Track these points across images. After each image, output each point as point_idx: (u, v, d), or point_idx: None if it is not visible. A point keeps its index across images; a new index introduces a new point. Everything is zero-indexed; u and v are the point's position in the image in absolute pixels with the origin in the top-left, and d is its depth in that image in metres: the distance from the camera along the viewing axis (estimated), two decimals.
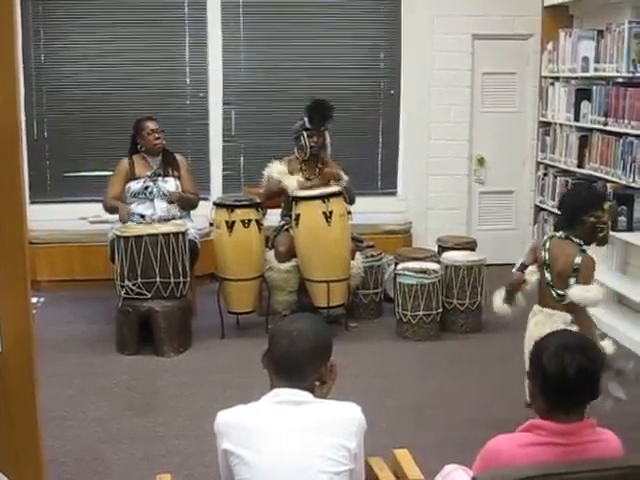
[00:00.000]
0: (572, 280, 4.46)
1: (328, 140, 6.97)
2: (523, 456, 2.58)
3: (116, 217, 6.77)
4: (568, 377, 2.59)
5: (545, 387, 2.66)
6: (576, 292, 4.43)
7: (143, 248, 6.19)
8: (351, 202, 6.86)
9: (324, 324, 2.97)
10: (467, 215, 8.76)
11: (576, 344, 2.67)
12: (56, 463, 4.35)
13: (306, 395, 2.69)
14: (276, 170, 6.87)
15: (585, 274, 4.45)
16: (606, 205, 4.58)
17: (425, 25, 8.34)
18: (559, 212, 4.74)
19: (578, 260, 4.44)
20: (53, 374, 5.48)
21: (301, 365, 2.72)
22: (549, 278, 4.57)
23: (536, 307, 4.70)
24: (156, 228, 6.37)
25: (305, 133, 6.87)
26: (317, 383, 2.76)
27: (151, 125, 6.83)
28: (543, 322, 4.47)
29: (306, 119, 6.84)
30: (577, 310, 4.45)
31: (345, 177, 6.90)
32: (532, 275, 4.70)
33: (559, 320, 4.46)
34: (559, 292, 4.51)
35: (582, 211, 4.47)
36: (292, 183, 6.72)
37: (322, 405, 2.71)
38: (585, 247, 4.51)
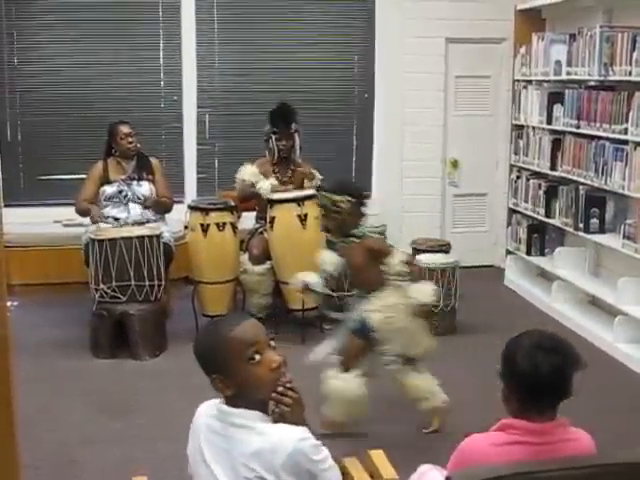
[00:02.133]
0: None
1: (298, 142, 7.00)
2: (496, 455, 2.60)
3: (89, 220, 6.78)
4: (541, 376, 2.61)
5: (518, 386, 2.68)
6: None
7: (117, 251, 6.18)
8: None
9: (223, 329, 2.60)
10: (441, 217, 8.81)
11: (549, 343, 2.69)
12: (32, 467, 4.33)
13: (250, 417, 2.55)
14: (248, 173, 6.87)
15: None
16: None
17: (399, 28, 8.37)
18: None
19: None
20: (27, 378, 5.44)
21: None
22: None
23: None
24: (130, 231, 6.36)
25: (274, 136, 6.91)
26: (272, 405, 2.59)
27: (124, 129, 6.82)
28: None
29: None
30: None
31: (319, 176, 6.95)
32: None
33: None
34: None
35: None
36: (265, 186, 6.74)
37: (258, 433, 2.51)
38: None
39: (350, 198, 4.90)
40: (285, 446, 2.45)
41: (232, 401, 2.57)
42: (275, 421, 2.56)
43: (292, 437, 2.47)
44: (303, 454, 2.46)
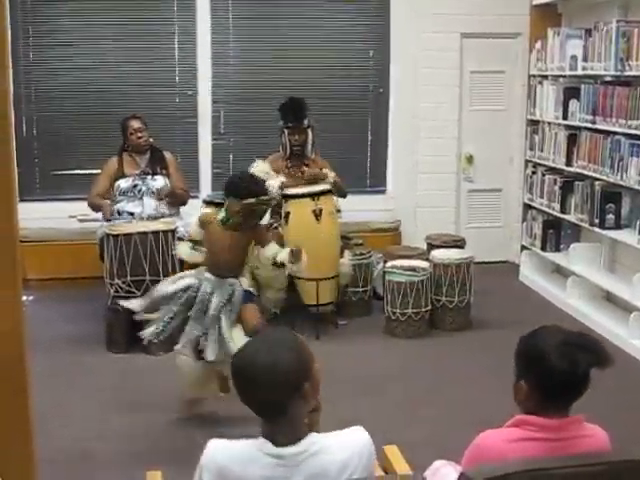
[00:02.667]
0: None
1: (310, 137, 6.99)
2: (511, 451, 2.58)
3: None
4: (578, 373, 2.58)
5: (545, 384, 2.63)
6: None
7: (132, 246, 6.19)
8: (343, 196, 6.90)
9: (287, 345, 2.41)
10: (456, 213, 8.79)
11: (579, 340, 2.65)
12: (45, 461, 4.34)
13: (308, 443, 2.37)
14: (259, 170, 6.85)
15: None
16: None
17: (414, 23, 8.35)
18: None
19: None
20: (42, 373, 5.44)
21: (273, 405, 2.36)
22: None
23: None
24: (146, 226, 6.38)
25: (286, 131, 6.91)
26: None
27: (134, 124, 6.85)
28: None
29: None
30: None
31: (332, 174, 6.92)
32: None
33: None
34: None
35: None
36: (274, 184, 6.70)
37: (327, 451, 2.38)
38: None
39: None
40: (361, 453, 2.43)
41: (276, 437, 2.37)
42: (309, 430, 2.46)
43: (362, 441, 2.46)
44: (371, 454, 2.48)
